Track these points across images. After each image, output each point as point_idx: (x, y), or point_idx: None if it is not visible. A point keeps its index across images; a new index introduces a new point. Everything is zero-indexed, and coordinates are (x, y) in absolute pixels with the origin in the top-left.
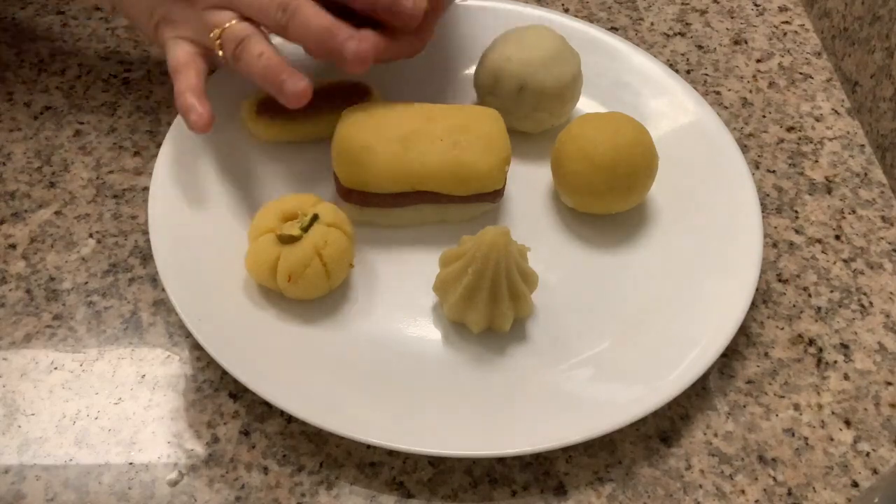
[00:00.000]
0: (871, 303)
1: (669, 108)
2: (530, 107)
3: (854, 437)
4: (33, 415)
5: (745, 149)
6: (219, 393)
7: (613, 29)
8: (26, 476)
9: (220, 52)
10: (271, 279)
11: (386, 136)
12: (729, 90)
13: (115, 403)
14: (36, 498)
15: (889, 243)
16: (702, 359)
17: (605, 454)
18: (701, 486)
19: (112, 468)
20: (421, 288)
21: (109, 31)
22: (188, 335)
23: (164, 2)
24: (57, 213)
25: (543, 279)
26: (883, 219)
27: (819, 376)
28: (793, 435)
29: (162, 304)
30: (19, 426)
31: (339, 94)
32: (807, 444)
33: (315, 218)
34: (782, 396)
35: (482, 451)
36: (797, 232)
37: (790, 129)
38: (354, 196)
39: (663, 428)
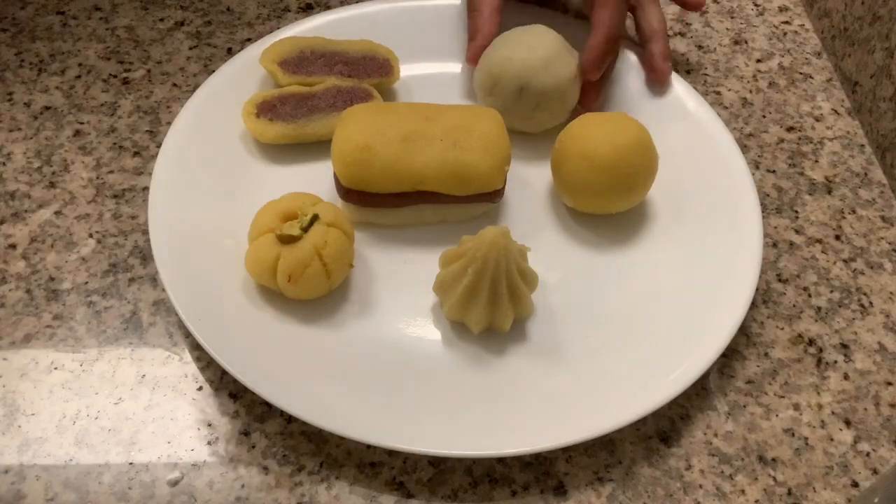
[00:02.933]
0: (871, 303)
1: (669, 108)
2: (530, 107)
3: (854, 437)
4: (33, 415)
5: (745, 149)
6: (219, 393)
7: None
8: (26, 476)
9: None
10: (271, 279)
11: (386, 136)
12: (729, 90)
13: (115, 403)
14: (36, 498)
15: (889, 243)
16: (702, 359)
17: (605, 454)
18: (701, 486)
19: (112, 468)
20: (421, 288)
21: (109, 31)
22: (188, 335)
23: None
24: (57, 213)
25: (543, 279)
26: (883, 219)
27: (819, 376)
28: (793, 435)
29: (162, 304)
30: (19, 426)
31: (339, 96)
32: (807, 444)
33: (315, 218)
34: (782, 396)
35: (482, 450)
36: (797, 232)
37: (790, 129)
38: (354, 196)
39: (663, 428)
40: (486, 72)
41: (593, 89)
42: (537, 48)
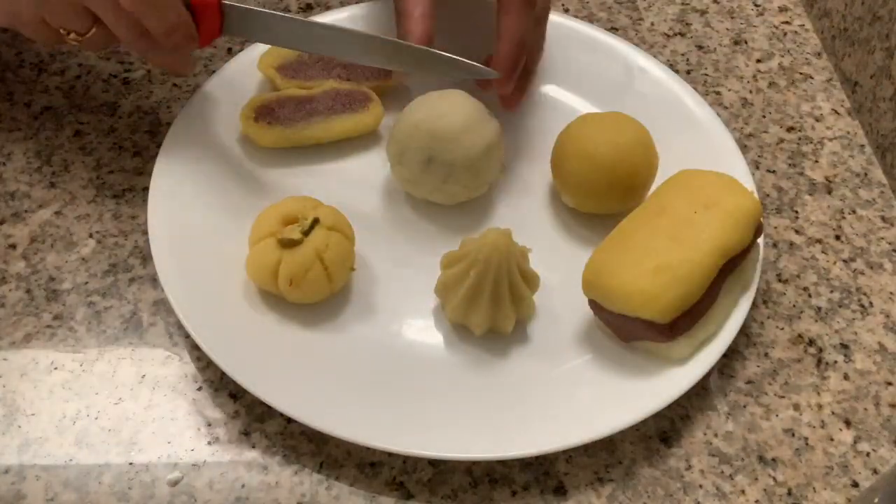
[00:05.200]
0: (871, 303)
1: (669, 108)
2: (440, 179)
3: (854, 437)
4: (33, 415)
5: (745, 149)
6: (219, 393)
7: (613, 29)
8: (26, 476)
9: None
10: (272, 283)
11: None
12: (729, 90)
13: (115, 403)
14: (36, 498)
15: (889, 243)
16: (702, 359)
17: (605, 454)
18: (701, 486)
19: (112, 468)
20: (422, 290)
21: None
22: (188, 335)
23: None
24: (57, 213)
25: (545, 280)
26: (883, 219)
27: (819, 376)
28: (793, 435)
29: (162, 305)
30: (19, 426)
31: (337, 99)
32: (807, 444)
33: (316, 221)
34: (782, 396)
35: (484, 453)
36: (797, 232)
37: (790, 130)
38: None
39: (663, 428)
40: (394, 139)
41: (511, 99)
42: (448, 116)
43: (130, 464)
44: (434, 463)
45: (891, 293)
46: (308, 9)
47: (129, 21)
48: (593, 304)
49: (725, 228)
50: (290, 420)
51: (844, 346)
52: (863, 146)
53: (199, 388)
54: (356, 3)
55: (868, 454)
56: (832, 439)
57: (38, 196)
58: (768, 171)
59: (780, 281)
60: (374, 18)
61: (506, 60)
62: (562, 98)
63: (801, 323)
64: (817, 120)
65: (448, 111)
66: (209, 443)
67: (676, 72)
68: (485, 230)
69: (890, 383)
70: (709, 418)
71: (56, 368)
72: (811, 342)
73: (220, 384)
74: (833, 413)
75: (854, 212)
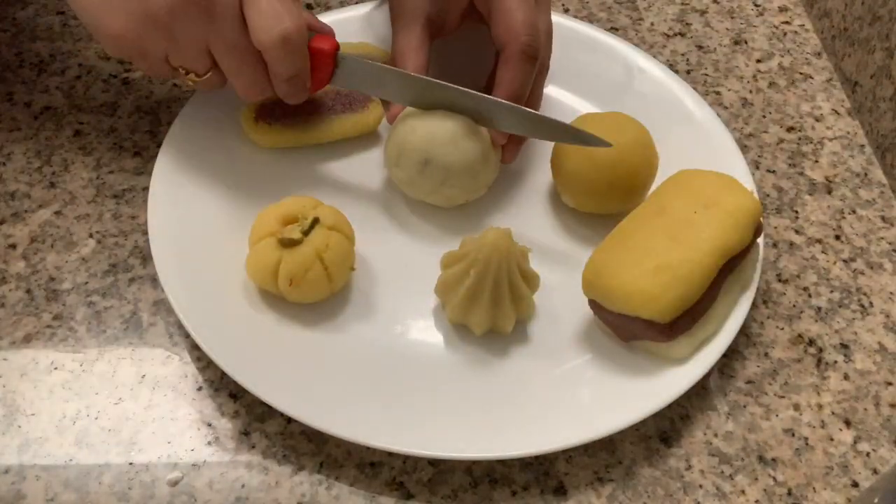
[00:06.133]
0: (871, 303)
1: (669, 108)
2: (437, 182)
3: (854, 437)
4: (33, 415)
5: (745, 149)
6: (219, 393)
7: (613, 29)
8: (26, 476)
9: None
10: (272, 283)
11: None
12: (729, 90)
13: (115, 403)
14: (36, 498)
15: (889, 243)
16: (702, 359)
17: (605, 454)
18: (701, 486)
19: (112, 468)
20: (422, 290)
21: None
22: (188, 335)
23: None
24: (57, 213)
25: (545, 280)
26: (883, 219)
27: (819, 376)
28: (793, 435)
29: (162, 305)
30: (19, 426)
31: (338, 99)
32: (807, 444)
33: (316, 221)
34: (782, 396)
35: (484, 453)
36: (797, 232)
37: (790, 130)
38: None
39: (663, 428)
40: (392, 141)
41: (509, 148)
42: (446, 120)
43: (130, 464)
44: (434, 463)
45: (891, 293)
46: (308, 9)
47: (249, 68)
48: (593, 303)
49: (725, 228)
50: (290, 420)
51: (844, 346)
52: (863, 146)
53: (199, 388)
54: (356, 2)
55: (868, 454)
56: (832, 439)
57: (38, 196)
58: (768, 171)
59: (780, 281)
60: (374, 19)
61: None
62: (562, 98)
63: (801, 323)
64: (817, 120)
65: (445, 114)
66: (209, 443)
67: (676, 72)
68: (484, 230)
69: (890, 383)
70: (709, 418)
71: (56, 368)
72: (811, 342)
73: (220, 384)
74: (833, 413)
75: (854, 212)
